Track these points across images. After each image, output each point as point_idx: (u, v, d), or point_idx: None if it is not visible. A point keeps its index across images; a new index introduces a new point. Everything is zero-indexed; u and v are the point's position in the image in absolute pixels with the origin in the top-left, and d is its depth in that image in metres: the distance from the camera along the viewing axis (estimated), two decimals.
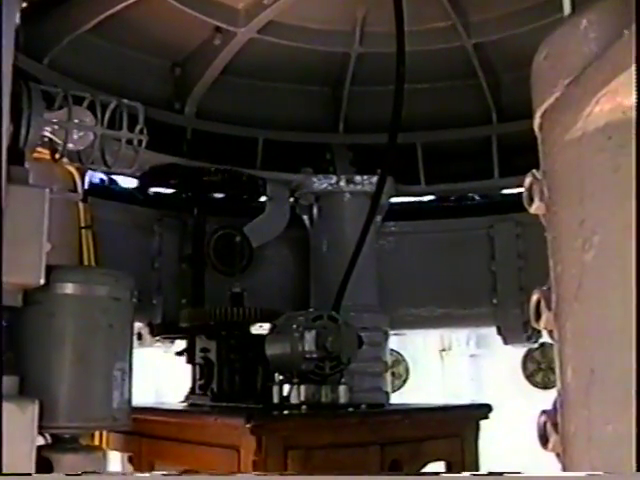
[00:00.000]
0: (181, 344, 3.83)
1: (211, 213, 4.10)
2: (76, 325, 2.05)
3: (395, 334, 4.49)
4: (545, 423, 1.16)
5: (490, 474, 1.21)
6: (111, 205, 3.99)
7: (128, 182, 4.16)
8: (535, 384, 4.43)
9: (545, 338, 1.47)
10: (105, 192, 4.04)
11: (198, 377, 3.53)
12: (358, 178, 4.09)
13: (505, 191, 4.43)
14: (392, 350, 4.64)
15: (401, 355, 5.10)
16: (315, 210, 4.15)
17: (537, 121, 1.23)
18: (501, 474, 1.17)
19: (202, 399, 3.46)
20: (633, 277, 0.98)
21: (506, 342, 4.30)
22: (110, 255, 3.19)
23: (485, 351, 9.33)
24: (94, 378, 2.07)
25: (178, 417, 3.17)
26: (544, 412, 1.17)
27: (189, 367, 3.65)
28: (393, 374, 4.73)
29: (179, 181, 4.00)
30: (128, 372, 2.18)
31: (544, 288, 1.22)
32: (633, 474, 1.07)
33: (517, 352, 4.53)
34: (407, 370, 5.08)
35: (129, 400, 2.17)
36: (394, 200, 4.41)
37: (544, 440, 1.16)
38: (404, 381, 5.04)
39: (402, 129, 3.30)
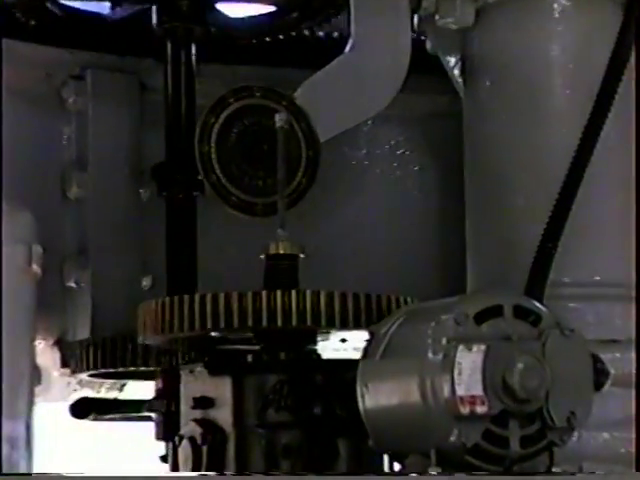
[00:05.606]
0: (138, 391, 4.01)
1: (209, 57, 4.36)
2: None
3: None
4: None
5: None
6: None
7: None
8: None
9: None
10: None
11: (188, 468, 3.59)
12: None
13: None
14: None
15: None
16: (475, 45, 4.25)
17: None
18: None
19: None
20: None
21: None
22: None
23: None
24: None
25: None
26: None
27: (161, 448, 3.89)
28: None
29: None
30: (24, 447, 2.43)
31: None
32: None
33: None
34: None
35: None
36: None
37: None
38: None
39: None
